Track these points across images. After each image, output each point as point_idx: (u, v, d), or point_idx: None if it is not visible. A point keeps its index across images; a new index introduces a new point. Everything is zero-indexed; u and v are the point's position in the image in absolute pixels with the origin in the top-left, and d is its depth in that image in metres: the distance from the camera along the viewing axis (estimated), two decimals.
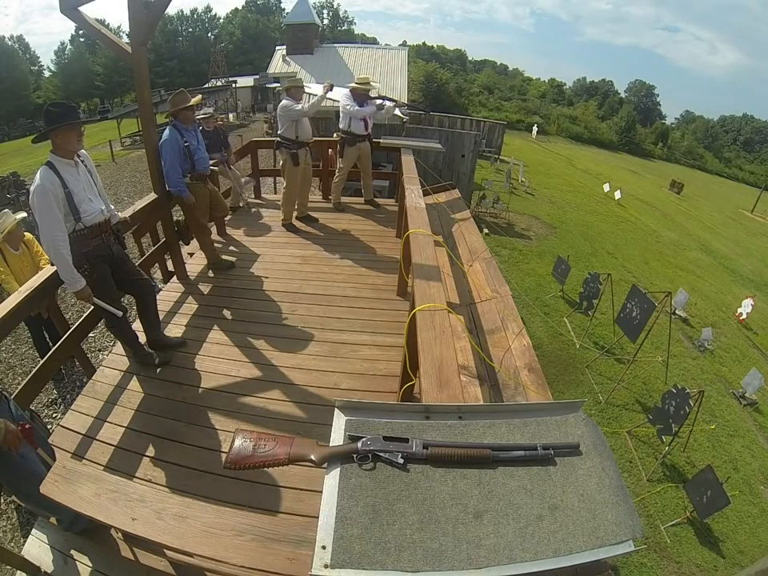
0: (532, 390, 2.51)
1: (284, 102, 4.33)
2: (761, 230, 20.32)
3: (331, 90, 4.47)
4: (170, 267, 3.83)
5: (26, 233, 3.68)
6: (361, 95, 4.71)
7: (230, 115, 24.33)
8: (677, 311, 7.69)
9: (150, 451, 2.25)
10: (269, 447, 0.94)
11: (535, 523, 0.78)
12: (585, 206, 14.29)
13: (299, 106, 4.25)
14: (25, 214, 3.58)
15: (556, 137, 37.21)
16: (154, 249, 3.65)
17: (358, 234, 4.77)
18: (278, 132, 4.47)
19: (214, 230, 4.36)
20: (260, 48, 47.41)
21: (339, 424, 0.95)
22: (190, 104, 3.32)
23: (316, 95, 4.41)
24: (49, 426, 3.43)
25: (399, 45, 34.50)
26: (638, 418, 5.05)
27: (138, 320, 3.00)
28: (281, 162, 4.62)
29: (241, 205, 5.34)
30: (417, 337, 1.67)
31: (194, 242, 4.24)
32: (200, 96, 3.99)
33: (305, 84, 4.73)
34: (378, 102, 4.85)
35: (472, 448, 0.88)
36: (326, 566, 0.71)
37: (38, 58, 46.64)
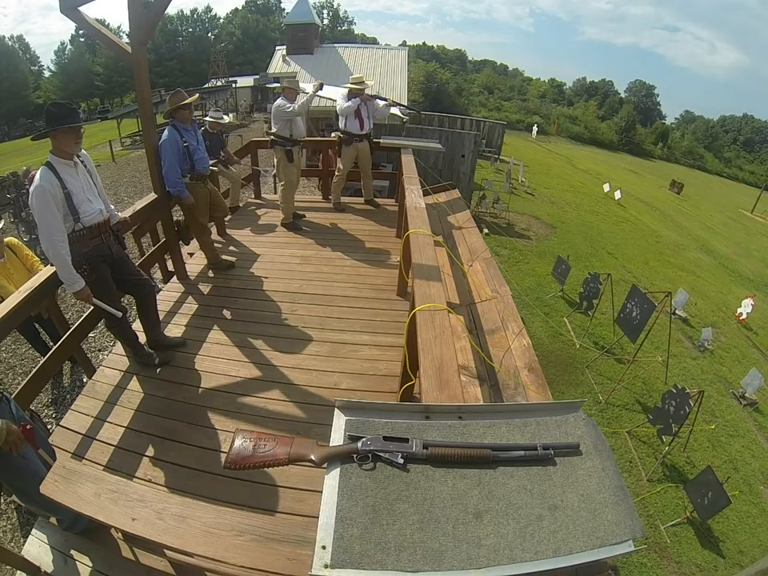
0: (532, 389, 2.51)
1: (278, 101, 4.45)
2: (761, 230, 20.32)
3: (321, 89, 4.54)
4: (170, 267, 3.83)
5: (11, 238, 3.66)
6: (355, 94, 4.76)
7: (230, 115, 24.35)
8: (677, 311, 7.69)
9: (150, 451, 2.25)
10: (269, 447, 0.94)
11: (535, 523, 0.78)
12: (585, 206, 14.29)
13: (290, 107, 4.32)
14: (2, 224, 3.52)
15: (556, 137, 37.22)
16: (154, 249, 3.65)
17: (358, 234, 4.77)
18: (273, 131, 4.57)
19: (214, 230, 4.36)
20: (260, 48, 47.41)
21: (339, 424, 0.95)
22: (187, 101, 3.32)
23: (308, 94, 4.46)
24: (49, 427, 3.43)
25: (399, 45, 34.46)
26: (638, 418, 5.05)
27: (137, 320, 3.00)
28: (275, 161, 4.72)
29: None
30: (417, 337, 1.67)
31: (194, 242, 4.25)
32: (197, 95, 3.99)
33: (301, 84, 4.82)
34: (374, 101, 4.92)
35: (472, 448, 0.88)
36: (325, 566, 0.71)
37: (38, 58, 46.67)
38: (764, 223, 22.43)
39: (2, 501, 2.94)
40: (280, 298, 3.58)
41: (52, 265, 2.30)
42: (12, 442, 1.49)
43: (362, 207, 5.54)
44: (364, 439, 0.89)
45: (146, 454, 2.24)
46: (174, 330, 3.18)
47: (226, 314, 3.40)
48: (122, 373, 2.77)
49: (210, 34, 51.96)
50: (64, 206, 2.21)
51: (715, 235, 16.42)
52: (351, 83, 4.82)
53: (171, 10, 46.73)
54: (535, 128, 33.75)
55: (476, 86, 50.59)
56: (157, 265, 3.78)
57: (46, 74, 46.23)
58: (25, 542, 1.91)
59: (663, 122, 53.10)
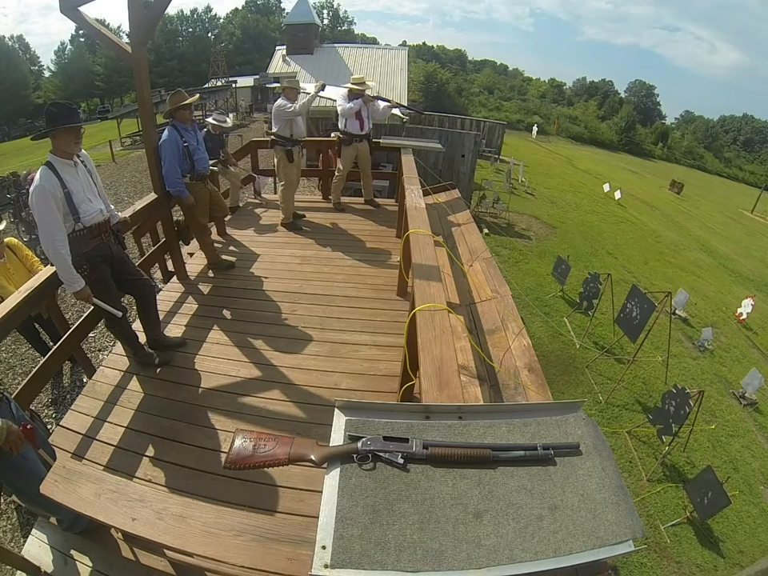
0: (532, 389, 2.51)
1: (279, 101, 4.45)
2: (761, 230, 20.31)
3: (323, 90, 4.54)
4: (170, 267, 3.83)
5: (11, 238, 3.67)
6: (356, 95, 4.76)
7: (231, 115, 24.35)
8: (677, 311, 7.69)
9: (150, 451, 2.25)
10: (269, 447, 0.94)
11: (535, 523, 0.78)
12: (585, 206, 14.29)
13: (291, 107, 4.33)
14: (4, 225, 3.53)
15: (556, 137, 37.20)
16: (154, 249, 3.65)
17: (358, 234, 4.77)
18: (273, 131, 4.57)
19: (214, 230, 4.36)
20: (260, 48, 47.44)
21: (339, 424, 0.95)
22: (188, 102, 3.32)
23: (309, 94, 4.45)
24: (49, 427, 3.43)
25: (399, 45, 34.44)
26: (638, 418, 5.05)
27: (137, 320, 3.00)
28: (275, 161, 4.73)
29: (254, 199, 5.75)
30: (417, 337, 1.67)
31: (194, 242, 4.25)
32: (197, 95, 4.00)
33: (301, 84, 4.82)
34: (376, 102, 4.92)
35: (472, 448, 0.88)
36: (325, 566, 0.71)
37: (38, 58, 46.69)
38: (764, 223, 22.42)
39: (2, 501, 2.94)
40: (280, 298, 3.58)
41: (52, 265, 2.30)
42: (12, 441, 1.49)
43: (362, 207, 5.54)
44: (364, 439, 0.89)
45: (146, 454, 2.24)
46: (174, 330, 3.18)
47: (226, 313, 3.40)
48: (122, 373, 2.77)
49: (210, 34, 51.95)
50: (64, 205, 2.21)
51: (715, 235, 16.42)
52: (352, 83, 4.82)
53: (171, 10, 46.77)
54: (535, 128, 33.73)
55: (476, 86, 50.61)
56: (157, 265, 3.78)
57: (46, 74, 46.27)
58: (25, 542, 1.91)
59: (663, 122, 53.11)
